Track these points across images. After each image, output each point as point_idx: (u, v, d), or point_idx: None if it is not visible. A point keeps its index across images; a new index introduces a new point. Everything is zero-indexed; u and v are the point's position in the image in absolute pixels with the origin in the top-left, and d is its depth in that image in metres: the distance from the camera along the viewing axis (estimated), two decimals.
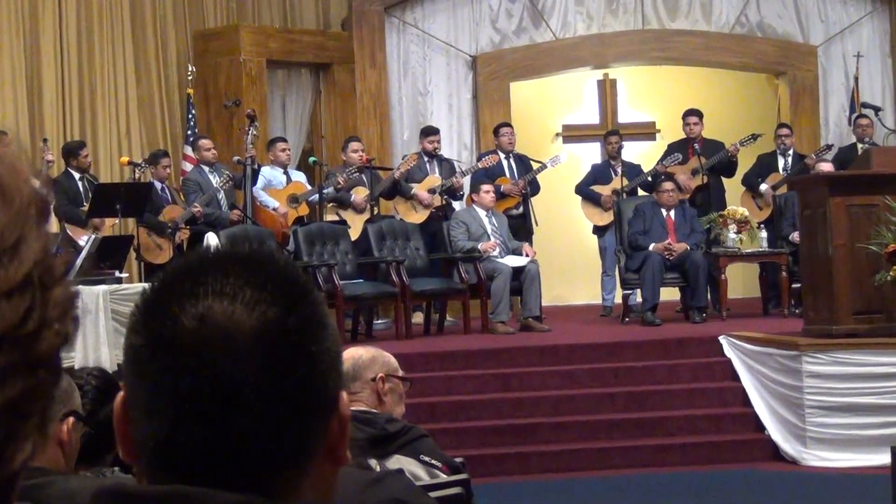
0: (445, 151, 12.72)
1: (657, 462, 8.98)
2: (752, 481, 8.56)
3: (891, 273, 8.60)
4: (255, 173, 11.60)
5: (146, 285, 1.16)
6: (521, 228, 12.11)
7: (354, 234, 11.42)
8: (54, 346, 0.91)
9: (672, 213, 11.61)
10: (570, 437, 9.19)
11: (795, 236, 11.03)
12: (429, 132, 12.39)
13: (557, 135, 15.39)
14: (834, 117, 14.27)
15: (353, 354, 3.89)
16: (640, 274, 11.30)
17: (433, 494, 3.29)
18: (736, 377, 9.53)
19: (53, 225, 10.22)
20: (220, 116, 12.91)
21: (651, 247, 11.35)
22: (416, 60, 13.86)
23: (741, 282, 13.54)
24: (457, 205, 12.36)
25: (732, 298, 11.79)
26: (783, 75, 14.37)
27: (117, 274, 9.77)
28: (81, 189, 11.02)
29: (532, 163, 12.52)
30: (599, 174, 12.88)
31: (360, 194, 11.81)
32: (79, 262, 9.23)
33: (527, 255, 11.45)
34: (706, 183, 12.47)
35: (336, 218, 11.65)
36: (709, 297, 11.75)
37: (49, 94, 12.07)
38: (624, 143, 12.89)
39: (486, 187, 11.71)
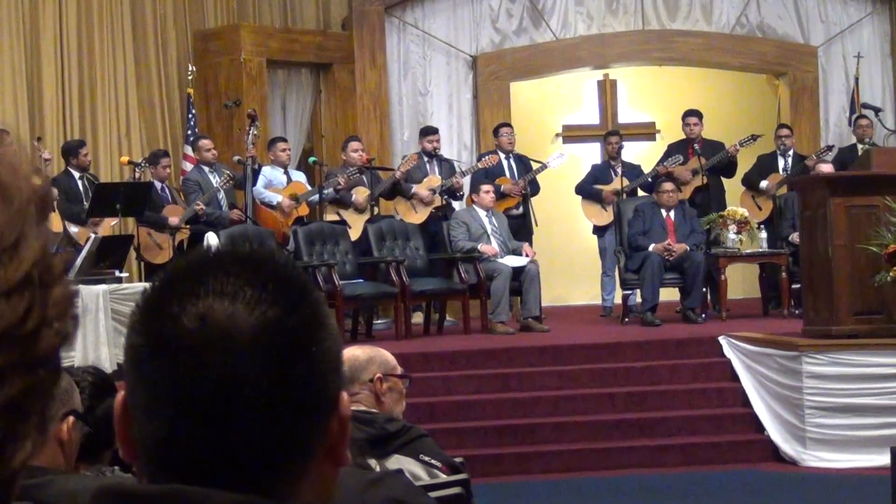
0: (445, 151, 12.72)
1: (657, 462, 8.98)
2: (752, 482, 8.56)
3: (891, 274, 8.59)
4: (256, 173, 11.60)
5: (146, 285, 1.16)
6: (520, 228, 12.11)
7: (355, 234, 11.42)
8: (54, 345, 0.91)
9: (672, 213, 11.61)
10: (569, 438, 9.19)
11: (795, 237, 11.03)
12: (428, 131, 12.40)
13: (557, 135, 15.39)
14: (834, 118, 14.27)
15: (350, 356, 3.88)
16: (639, 274, 11.30)
17: (433, 494, 3.29)
18: (735, 378, 9.52)
19: (57, 224, 10.22)
20: (220, 116, 12.91)
21: (651, 247, 11.35)
22: (417, 60, 13.86)
23: (741, 282, 13.54)
24: (457, 205, 12.36)
25: (732, 299, 11.79)
26: (783, 76, 14.37)
27: (117, 273, 9.77)
28: (81, 188, 11.03)
29: (532, 163, 12.52)
30: (599, 174, 12.88)
31: (360, 194, 11.81)
32: (79, 261, 9.24)
33: (526, 256, 11.45)
34: (706, 183, 12.47)
35: (336, 218, 11.65)
36: (709, 297, 11.75)
37: (49, 94, 12.07)
38: (624, 143, 12.89)
39: (486, 187, 11.71)
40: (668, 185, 11.75)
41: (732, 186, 12.87)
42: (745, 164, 12.85)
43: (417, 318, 11.53)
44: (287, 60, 13.41)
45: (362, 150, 12.06)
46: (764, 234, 11.83)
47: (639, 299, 11.62)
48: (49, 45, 12.10)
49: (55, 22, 12.15)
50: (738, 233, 11.58)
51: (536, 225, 12.35)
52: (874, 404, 8.76)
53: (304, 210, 11.79)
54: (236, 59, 12.89)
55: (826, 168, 11.60)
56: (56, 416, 2.52)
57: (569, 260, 14.42)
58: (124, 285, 9.58)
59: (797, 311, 10.83)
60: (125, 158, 11.76)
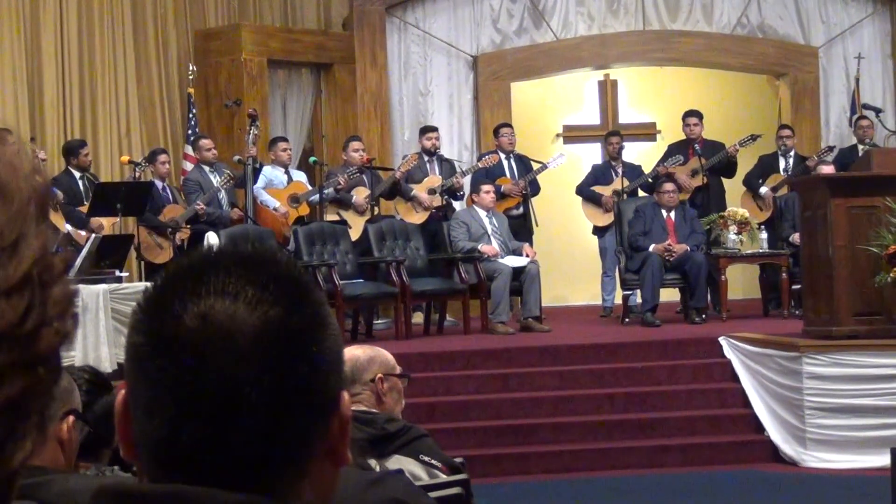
0: (446, 151, 12.73)
1: (657, 463, 8.98)
2: (752, 482, 8.56)
3: (891, 275, 8.59)
4: (256, 173, 11.61)
5: (147, 284, 1.15)
6: (521, 229, 12.11)
7: (355, 234, 11.42)
8: (54, 344, 0.90)
9: (672, 213, 11.61)
10: (569, 438, 9.19)
11: (796, 237, 11.03)
12: (427, 129, 12.42)
13: (558, 135, 15.40)
14: (834, 119, 14.27)
15: (351, 356, 3.87)
16: (640, 275, 11.30)
17: (433, 494, 3.29)
18: (736, 378, 9.52)
19: (59, 224, 10.22)
20: (220, 116, 12.91)
21: (651, 248, 11.35)
22: (417, 60, 13.86)
23: (741, 283, 13.55)
24: (457, 205, 12.36)
25: (732, 299, 11.79)
26: (784, 76, 14.37)
27: (117, 273, 9.77)
28: (82, 188, 11.03)
29: (532, 163, 12.52)
30: (600, 175, 12.88)
31: (361, 195, 11.81)
32: (79, 261, 9.23)
33: (527, 256, 11.45)
34: (706, 184, 12.47)
35: (336, 218, 11.65)
36: (709, 298, 11.75)
37: (50, 94, 12.07)
38: (624, 143, 12.89)
39: (486, 187, 11.71)
40: (668, 186, 11.75)
41: (733, 187, 12.87)
42: (745, 164, 12.85)
43: (418, 318, 11.54)
44: (288, 60, 13.41)
45: (363, 150, 12.07)
46: (764, 235, 11.82)
47: (639, 300, 11.62)
48: (50, 44, 12.10)
49: (56, 21, 12.15)
50: (739, 233, 11.57)
51: (537, 225, 12.35)
52: (874, 405, 8.76)
53: (304, 210, 11.79)
54: (237, 59, 12.89)
55: (827, 169, 11.60)
56: (56, 415, 2.52)
57: (569, 260, 14.42)
58: (124, 285, 9.58)
59: (797, 312, 10.83)
60: (125, 158, 11.76)
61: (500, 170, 12.37)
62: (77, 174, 11.11)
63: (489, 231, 11.52)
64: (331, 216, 11.68)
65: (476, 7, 13.93)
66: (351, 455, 1.18)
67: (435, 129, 12.46)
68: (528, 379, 9.70)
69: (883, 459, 7.37)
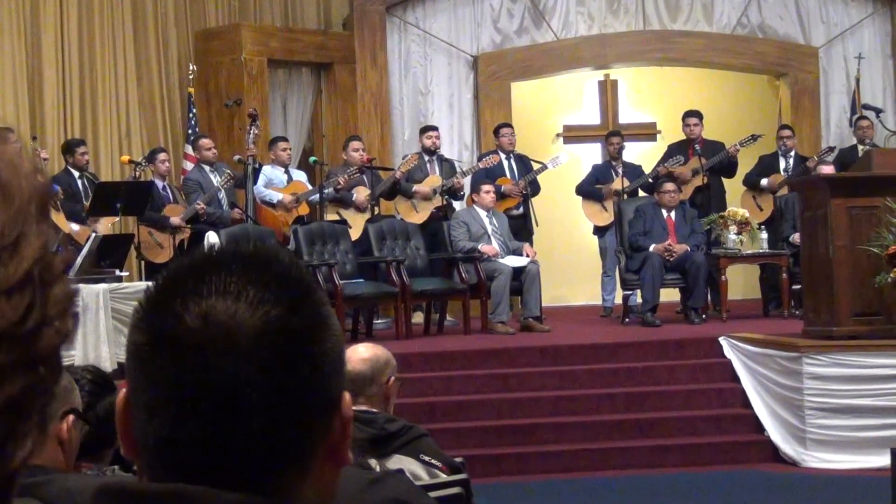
0: (446, 151, 12.73)
1: (657, 463, 8.98)
2: (752, 483, 8.56)
3: (891, 275, 8.59)
4: (256, 172, 11.61)
5: (147, 284, 1.15)
6: (521, 229, 12.12)
7: (355, 233, 11.42)
8: (54, 343, 0.90)
9: (672, 213, 11.61)
10: (569, 438, 9.18)
11: (796, 238, 11.02)
12: (427, 128, 12.42)
13: (558, 135, 15.39)
14: (835, 119, 14.27)
15: (371, 356, 3.88)
16: (640, 275, 11.30)
17: (433, 494, 3.29)
18: (736, 378, 9.52)
19: (61, 224, 10.22)
20: (221, 115, 12.91)
21: (651, 248, 11.35)
22: (418, 60, 13.86)
23: (741, 283, 13.54)
24: (457, 205, 12.37)
25: (732, 300, 11.79)
26: (784, 76, 14.37)
27: (118, 272, 9.77)
28: (81, 187, 11.03)
29: (532, 163, 12.52)
30: (600, 175, 12.88)
31: (361, 194, 11.81)
32: (79, 260, 9.24)
33: (527, 256, 11.45)
34: (706, 184, 12.47)
35: (337, 217, 11.65)
36: (709, 298, 11.74)
37: (50, 93, 12.07)
38: (624, 143, 12.88)
39: (486, 187, 11.71)
40: (669, 186, 11.75)
41: (733, 187, 12.88)
42: (745, 164, 12.85)
43: (418, 317, 11.54)
44: (288, 60, 13.40)
45: (363, 149, 12.07)
46: (765, 235, 11.82)
47: (639, 300, 11.62)
48: (50, 44, 12.10)
49: (56, 21, 12.14)
50: (739, 233, 11.57)
51: (537, 225, 12.35)
52: (874, 405, 8.75)
53: (304, 209, 11.79)
54: (237, 59, 12.89)
55: (827, 169, 11.59)
56: (56, 414, 2.51)
57: (569, 260, 14.41)
58: (125, 284, 9.58)
59: (797, 312, 10.82)
60: (126, 157, 11.77)
61: (501, 170, 12.37)
62: (76, 173, 11.11)
63: (489, 231, 11.52)
64: (331, 216, 11.68)
65: (476, 7, 13.93)
66: (352, 455, 1.18)
67: (435, 129, 12.47)
68: (528, 379, 9.70)
69: (883, 460, 7.37)
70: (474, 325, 11.07)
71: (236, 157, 11.87)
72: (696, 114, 12.80)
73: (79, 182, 11.06)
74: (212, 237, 10.53)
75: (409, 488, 2.63)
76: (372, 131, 13.38)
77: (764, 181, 12.63)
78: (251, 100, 12.61)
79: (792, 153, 12.83)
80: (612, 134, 13.22)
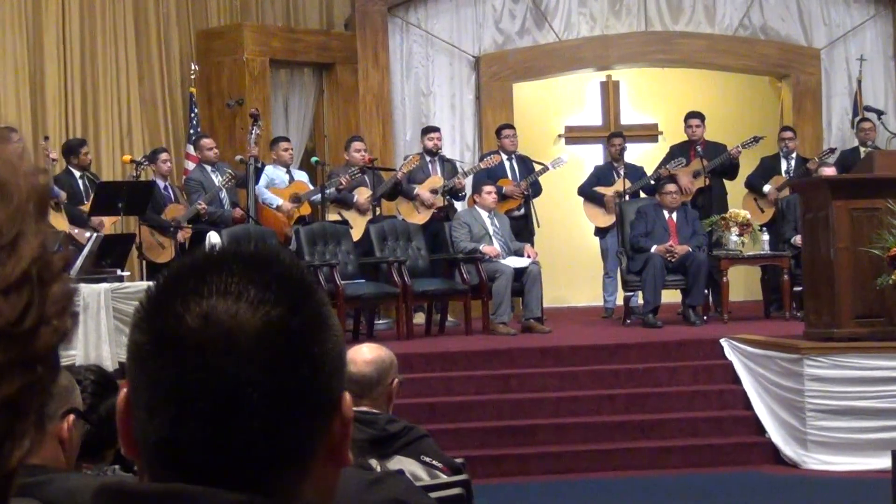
0: (447, 152, 12.73)
1: (657, 464, 8.97)
2: (753, 484, 8.56)
3: (892, 277, 8.59)
4: (258, 172, 11.61)
5: (148, 284, 1.15)
6: (522, 230, 12.11)
7: (357, 234, 11.42)
8: (52, 342, 0.90)
9: (674, 214, 11.60)
10: (570, 439, 9.18)
11: (797, 239, 11.02)
12: (429, 129, 12.42)
13: (560, 136, 15.39)
14: (837, 120, 14.26)
15: (376, 357, 3.88)
16: (641, 276, 11.29)
17: (433, 495, 3.29)
18: (737, 380, 9.52)
19: (63, 224, 10.22)
20: (222, 115, 12.91)
21: (653, 249, 11.34)
22: (419, 61, 13.86)
23: (743, 284, 13.54)
24: (459, 205, 12.37)
25: (734, 301, 11.78)
26: (786, 78, 14.37)
27: (119, 272, 9.77)
28: (82, 187, 11.03)
29: (534, 164, 12.52)
30: (602, 176, 12.87)
31: (362, 195, 11.81)
32: (80, 260, 9.24)
33: (528, 257, 11.45)
34: (708, 185, 12.46)
35: (338, 218, 11.65)
36: (710, 299, 11.74)
37: (52, 93, 12.07)
38: (626, 144, 12.88)
39: (488, 188, 11.71)
40: (671, 186, 11.74)
41: (735, 188, 12.87)
42: (747, 166, 12.85)
43: (419, 318, 11.54)
44: (290, 60, 13.40)
45: (364, 150, 12.07)
46: (766, 237, 11.82)
47: (640, 301, 11.61)
48: (52, 43, 12.10)
49: (58, 20, 12.15)
50: (740, 235, 11.57)
51: (538, 226, 12.35)
52: (875, 407, 8.75)
53: (305, 210, 11.80)
54: (239, 59, 12.89)
55: (829, 171, 11.59)
56: (55, 414, 2.51)
57: (570, 261, 14.41)
58: (126, 284, 9.58)
59: (799, 314, 10.82)
60: (127, 157, 11.77)
61: (502, 171, 12.37)
62: (77, 173, 11.11)
63: (491, 232, 11.51)
64: (332, 216, 11.67)
65: (478, 7, 13.93)
66: (352, 455, 1.17)
67: (437, 130, 12.47)
68: (529, 380, 9.69)
69: (884, 462, 7.36)
70: (475, 325, 11.07)
71: (238, 157, 11.87)
72: (697, 115, 12.80)
73: (80, 182, 11.06)
74: (213, 237, 10.53)
75: (408, 488, 2.63)
76: (373, 132, 13.38)
77: (767, 187, 12.61)
78: (253, 100, 12.61)
79: (793, 155, 12.82)
80: (613, 135, 13.22)
